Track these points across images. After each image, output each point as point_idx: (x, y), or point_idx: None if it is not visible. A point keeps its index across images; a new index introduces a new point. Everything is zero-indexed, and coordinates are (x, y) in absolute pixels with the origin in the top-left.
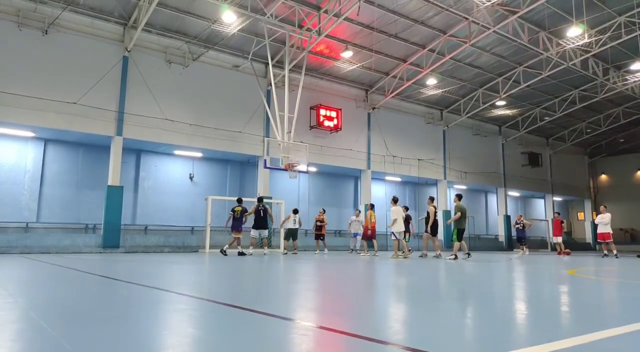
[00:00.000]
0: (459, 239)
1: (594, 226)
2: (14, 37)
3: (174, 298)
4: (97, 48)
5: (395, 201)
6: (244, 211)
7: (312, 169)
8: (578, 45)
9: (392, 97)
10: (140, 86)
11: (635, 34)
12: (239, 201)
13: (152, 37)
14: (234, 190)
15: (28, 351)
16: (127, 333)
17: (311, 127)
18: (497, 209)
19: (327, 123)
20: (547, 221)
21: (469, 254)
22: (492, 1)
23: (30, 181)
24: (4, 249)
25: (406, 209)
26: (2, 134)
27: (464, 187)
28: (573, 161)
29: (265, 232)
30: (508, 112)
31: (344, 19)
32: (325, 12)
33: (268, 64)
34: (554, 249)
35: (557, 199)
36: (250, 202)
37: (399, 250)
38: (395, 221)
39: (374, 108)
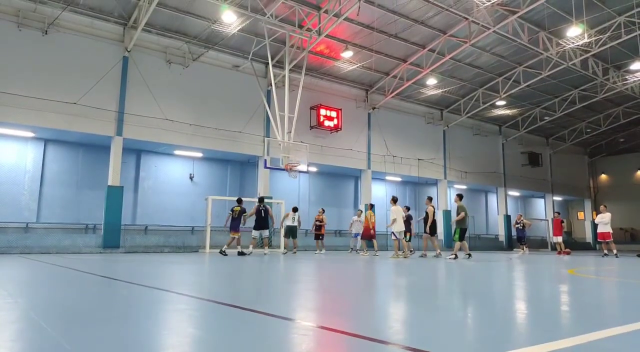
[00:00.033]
0: (461, 238)
1: (594, 226)
2: (13, 37)
3: (174, 298)
4: (97, 48)
5: (394, 200)
6: (243, 211)
7: (313, 169)
8: (578, 45)
9: (392, 97)
10: (140, 86)
11: (635, 34)
12: (239, 201)
13: (152, 37)
14: (234, 190)
15: (28, 351)
16: (127, 333)
17: (311, 127)
18: (497, 209)
19: (327, 123)
20: (547, 220)
21: (469, 254)
22: (492, 1)
23: (30, 181)
24: (4, 249)
25: (407, 209)
26: (2, 134)
27: (464, 187)
28: (573, 161)
29: (266, 232)
30: (508, 112)
31: (344, 19)
32: (326, 12)
33: (268, 64)
34: (554, 248)
35: (557, 198)
36: (250, 203)
37: (399, 250)
38: (394, 220)
39: (374, 108)
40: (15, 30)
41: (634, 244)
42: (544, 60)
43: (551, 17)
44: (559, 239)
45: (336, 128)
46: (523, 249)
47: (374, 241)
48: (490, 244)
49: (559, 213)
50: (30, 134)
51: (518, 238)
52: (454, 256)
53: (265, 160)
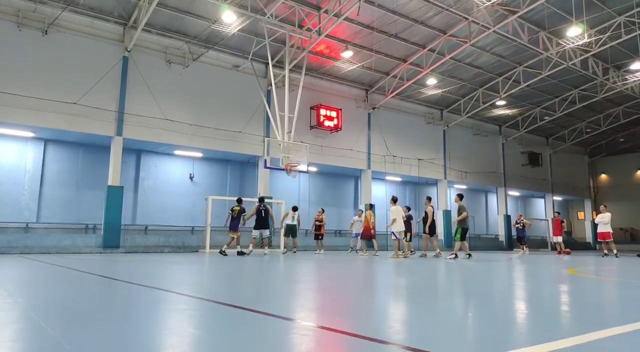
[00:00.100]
0: (463, 238)
1: (594, 226)
2: (13, 37)
3: (174, 298)
4: (97, 48)
5: (394, 200)
6: (242, 211)
7: (313, 169)
8: (578, 45)
9: (392, 97)
10: (140, 86)
11: (635, 33)
12: (239, 201)
13: (152, 37)
14: (234, 190)
15: (28, 351)
16: (127, 333)
17: (311, 127)
18: (497, 209)
19: (327, 123)
20: (547, 220)
21: (469, 254)
22: (492, 1)
23: (30, 181)
24: (4, 249)
25: (408, 209)
26: (2, 134)
27: (464, 186)
28: (573, 161)
29: (267, 232)
30: (508, 111)
31: (344, 19)
32: (326, 12)
33: (268, 64)
34: (554, 248)
35: (557, 198)
36: (250, 203)
37: (399, 250)
38: (394, 220)
39: (374, 108)
40: (15, 30)
41: (634, 244)
42: (544, 60)
43: (551, 17)
44: (559, 239)
45: (336, 128)
46: (523, 249)
47: (374, 241)
48: (490, 244)
49: (559, 213)
50: (30, 134)
51: (518, 238)
52: (454, 256)
53: (265, 160)
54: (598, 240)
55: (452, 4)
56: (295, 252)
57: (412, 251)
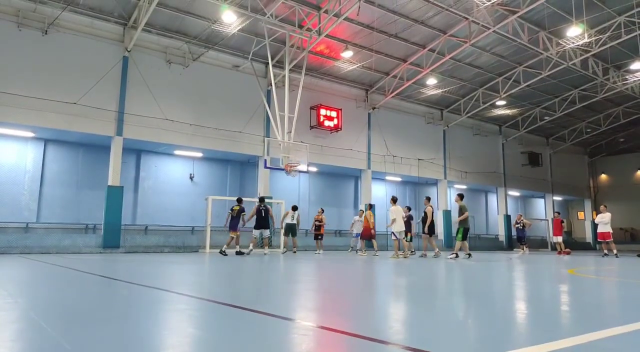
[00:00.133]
0: (464, 238)
1: (594, 226)
2: (13, 37)
3: (174, 298)
4: (97, 48)
5: (394, 200)
6: (241, 210)
7: (313, 169)
8: (578, 45)
9: (392, 97)
10: (140, 86)
11: (635, 33)
12: (239, 200)
13: (152, 37)
14: (234, 190)
15: (28, 351)
16: (127, 333)
17: (311, 127)
18: (497, 209)
19: (327, 123)
20: (547, 220)
21: (469, 254)
22: (492, 1)
23: (30, 181)
24: (4, 249)
25: (409, 209)
26: (2, 134)
27: (464, 186)
28: (573, 161)
29: (267, 232)
30: (508, 111)
31: (344, 19)
32: (326, 12)
33: (268, 64)
34: (554, 248)
35: (557, 198)
36: (250, 203)
37: (399, 250)
38: (394, 220)
39: (374, 108)
40: (15, 30)
41: (634, 244)
42: (544, 60)
43: (551, 17)
44: (559, 239)
45: (336, 128)
46: (523, 249)
47: (374, 241)
48: (490, 244)
49: (559, 213)
50: (30, 134)
51: (518, 238)
52: (454, 255)
53: (265, 160)
54: (598, 240)
55: (452, 4)
56: (295, 252)
57: (412, 251)
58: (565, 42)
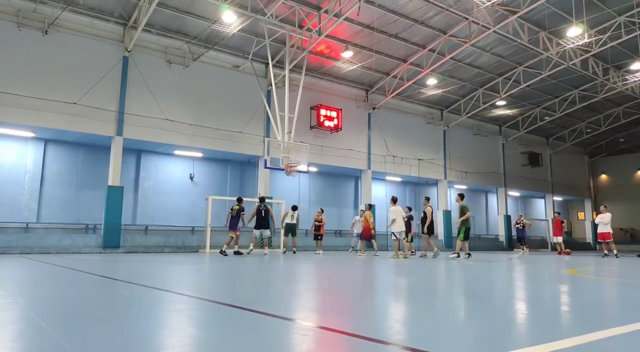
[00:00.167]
0: (466, 237)
1: (594, 226)
2: (13, 37)
3: (174, 298)
4: (97, 48)
5: (394, 200)
6: (241, 210)
7: (313, 169)
8: (578, 45)
9: (393, 97)
10: (140, 86)
11: (635, 34)
12: (239, 200)
13: (152, 37)
14: (234, 190)
15: (28, 351)
16: (127, 333)
17: (311, 127)
18: (497, 209)
19: (327, 123)
20: (548, 220)
21: (469, 254)
22: (492, 1)
23: (30, 181)
24: (4, 249)
25: (409, 209)
26: (2, 134)
27: (464, 187)
28: (573, 161)
29: (267, 232)
30: (508, 112)
31: (344, 19)
32: (326, 12)
33: (268, 64)
34: (554, 249)
35: (557, 198)
36: (250, 203)
37: (399, 250)
38: (394, 220)
39: (374, 108)
40: (15, 30)
41: (634, 245)
42: (544, 60)
43: (551, 17)
44: (559, 239)
45: (336, 128)
46: (523, 249)
47: (373, 242)
48: (490, 244)
49: (559, 213)
50: (31, 134)
51: (518, 238)
52: (456, 255)
53: (266, 160)
54: (598, 240)
55: (452, 4)
56: (295, 252)
57: (412, 252)
58: (565, 42)
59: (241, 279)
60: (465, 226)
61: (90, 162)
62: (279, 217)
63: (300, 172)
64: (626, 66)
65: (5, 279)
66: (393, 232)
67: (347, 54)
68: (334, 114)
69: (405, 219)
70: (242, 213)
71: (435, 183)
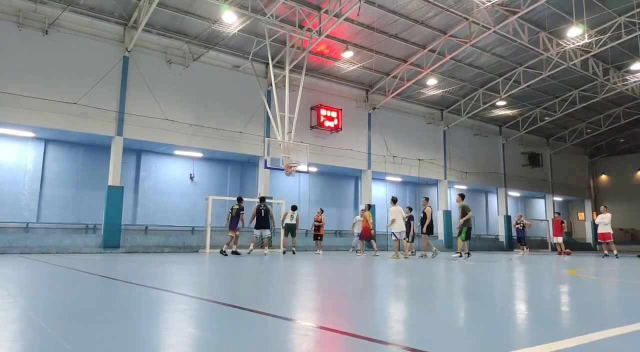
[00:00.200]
0: (468, 237)
1: (594, 226)
2: (14, 37)
3: (174, 298)
4: (97, 48)
5: (394, 201)
6: (240, 209)
7: (313, 169)
8: (578, 46)
9: (393, 97)
10: (140, 86)
11: (635, 34)
12: (239, 199)
13: (152, 37)
14: (234, 190)
15: (28, 351)
16: (127, 333)
17: (311, 127)
18: (497, 209)
19: (327, 123)
20: (548, 221)
21: (469, 253)
22: (492, 1)
23: (30, 181)
24: (4, 249)
25: (410, 209)
26: (2, 134)
27: (464, 187)
28: (573, 161)
29: (267, 232)
30: (508, 112)
31: (344, 20)
32: (326, 12)
33: (268, 64)
34: (554, 249)
35: (558, 199)
36: (250, 202)
37: (399, 250)
38: (394, 221)
39: (374, 108)
40: (15, 30)
41: (634, 245)
42: (544, 61)
43: (551, 17)
44: (559, 239)
45: (336, 128)
46: (523, 249)
47: (373, 242)
48: (490, 245)
49: (559, 213)
50: (31, 134)
51: (518, 238)
52: (458, 254)
53: (266, 160)
54: (598, 241)
55: (452, 5)
56: (294, 252)
57: (412, 252)
58: (565, 42)
59: (241, 279)
60: (467, 226)
61: (90, 162)
62: (279, 217)
63: (300, 172)
64: (626, 66)
65: (5, 279)
66: (393, 233)
67: (347, 54)
68: (334, 114)
69: (406, 219)
70: (241, 213)
71: (435, 183)
